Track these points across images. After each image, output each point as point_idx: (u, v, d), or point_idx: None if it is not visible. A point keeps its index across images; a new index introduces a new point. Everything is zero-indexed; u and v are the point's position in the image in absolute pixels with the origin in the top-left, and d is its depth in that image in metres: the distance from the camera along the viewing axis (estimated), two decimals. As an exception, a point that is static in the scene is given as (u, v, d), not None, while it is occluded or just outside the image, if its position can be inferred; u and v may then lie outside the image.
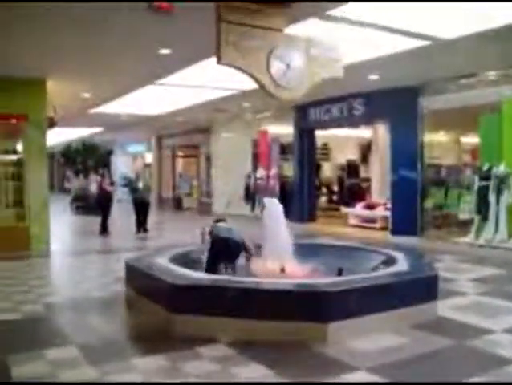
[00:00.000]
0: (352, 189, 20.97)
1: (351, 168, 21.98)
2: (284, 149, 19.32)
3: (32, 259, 10.85)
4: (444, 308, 6.48)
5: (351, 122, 15.92)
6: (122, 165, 31.85)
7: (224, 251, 6.88)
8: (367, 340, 5.35)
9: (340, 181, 21.95)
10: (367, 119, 15.59)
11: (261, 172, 18.91)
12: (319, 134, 18.09)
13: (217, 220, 7.39)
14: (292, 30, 7.12)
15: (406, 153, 13.60)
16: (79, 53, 9.58)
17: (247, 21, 6.37)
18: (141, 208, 15.14)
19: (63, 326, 6.32)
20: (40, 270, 9.92)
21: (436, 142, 15.62)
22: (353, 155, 22.41)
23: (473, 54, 9.87)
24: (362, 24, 7.96)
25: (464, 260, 10.23)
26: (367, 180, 19.99)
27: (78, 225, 19.03)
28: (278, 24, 6.70)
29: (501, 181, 11.21)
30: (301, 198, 17.27)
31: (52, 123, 13.54)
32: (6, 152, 12.10)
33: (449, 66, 10.97)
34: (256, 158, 19.99)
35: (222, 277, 6.26)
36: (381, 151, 16.96)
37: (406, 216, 13.47)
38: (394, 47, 9.44)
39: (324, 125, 16.74)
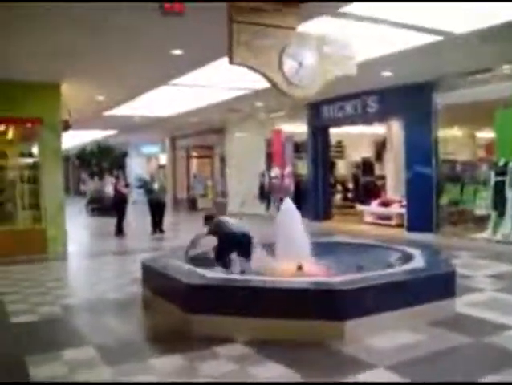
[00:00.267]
0: (367, 187, 20.84)
1: (366, 166, 21.83)
2: (298, 148, 19.22)
3: (49, 262, 10.94)
4: (461, 304, 6.42)
5: (365, 119, 15.85)
6: (136, 167, 32.00)
7: (235, 245, 6.83)
8: (385, 337, 5.32)
9: (355, 179, 21.85)
10: (381, 116, 15.51)
11: (275, 171, 18.92)
12: (333, 132, 18.02)
13: (208, 217, 7.36)
14: (304, 28, 7.09)
15: (420, 149, 13.51)
16: (92, 56, 9.65)
17: (259, 20, 6.37)
18: (157, 209, 15.20)
19: (80, 327, 6.36)
20: (57, 272, 10.01)
21: (451, 137, 15.48)
22: (367, 152, 22.26)
23: (487, 48, 9.74)
24: (375, 21, 7.92)
25: (481, 256, 10.12)
26: (382, 177, 19.88)
27: (94, 227, 19.14)
28: (290, 22, 6.68)
29: (518, 176, 11.07)
30: (316, 196, 17.25)
31: (67, 126, 13.64)
32: (22, 156, 12.19)
33: (462, 61, 10.87)
34: (270, 157, 19.94)
35: (238, 277, 6.25)
36: (396, 148, 16.84)
37: (422, 213, 13.39)
38: (406, 43, 9.37)
39: (338, 123, 16.70)
